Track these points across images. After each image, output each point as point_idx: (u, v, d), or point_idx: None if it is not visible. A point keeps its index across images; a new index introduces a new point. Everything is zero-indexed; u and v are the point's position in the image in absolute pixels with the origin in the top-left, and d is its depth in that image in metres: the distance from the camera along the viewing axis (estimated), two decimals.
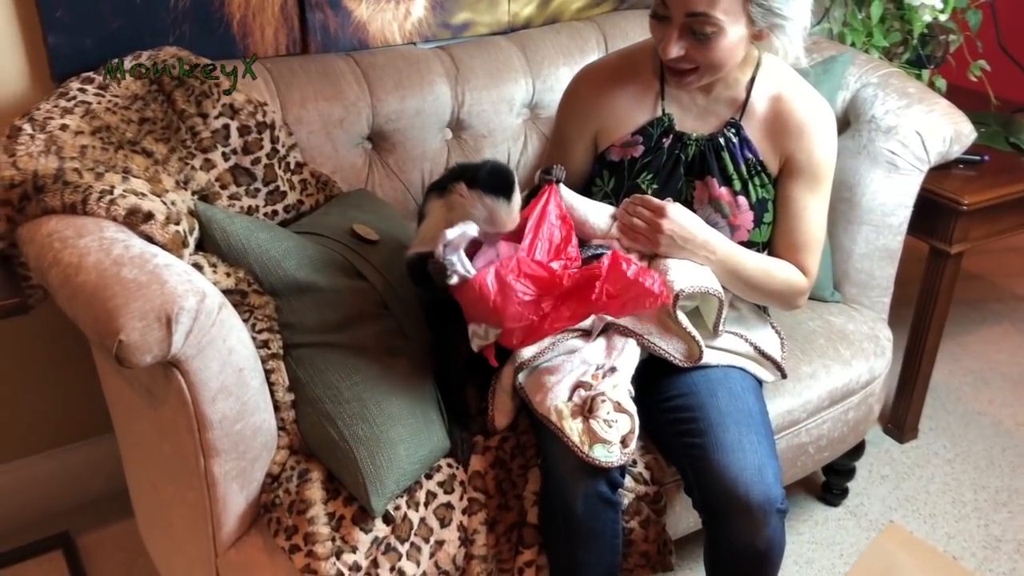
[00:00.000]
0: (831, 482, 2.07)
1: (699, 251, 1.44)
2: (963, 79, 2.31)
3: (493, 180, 1.30)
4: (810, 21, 1.42)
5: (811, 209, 1.53)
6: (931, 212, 1.98)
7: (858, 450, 2.02)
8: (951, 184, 1.98)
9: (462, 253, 1.28)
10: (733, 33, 1.37)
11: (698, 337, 1.41)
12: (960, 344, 2.67)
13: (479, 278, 1.26)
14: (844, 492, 2.08)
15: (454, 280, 1.27)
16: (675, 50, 1.40)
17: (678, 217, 1.43)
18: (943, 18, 2.10)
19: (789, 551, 1.72)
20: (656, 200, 1.44)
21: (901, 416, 2.25)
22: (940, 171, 1.96)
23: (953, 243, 2.00)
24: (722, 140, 1.51)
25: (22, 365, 1.81)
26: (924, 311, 2.10)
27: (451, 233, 1.27)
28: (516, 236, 1.36)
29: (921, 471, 2.19)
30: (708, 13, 1.34)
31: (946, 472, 2.18)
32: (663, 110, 1.54)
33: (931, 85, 2.22)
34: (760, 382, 1.55)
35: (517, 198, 1.32)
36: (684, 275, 1.41)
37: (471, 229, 1.29)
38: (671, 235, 1.42)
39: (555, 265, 1.31)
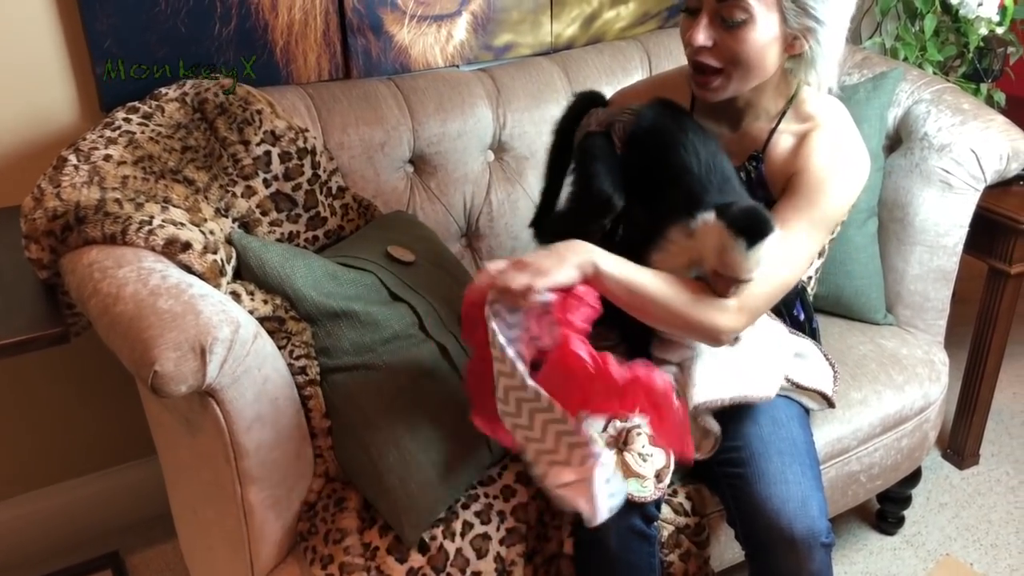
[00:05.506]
0: (886, 510, 2.00)
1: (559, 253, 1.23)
2: None
3: (742, 218, 1.18)
4: (845, 44, 1.34)
5: (785, 226, 1.29)
6: (990, 231, 1.91)
7: (914, 477, 1.95)
8: (1010, 202, 1.90)
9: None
10: (764, 28, 1.27)
11: (717, 433, 1.38)
12: None
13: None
14: (900, 521, 2.01)
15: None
16: (702, 37, 1.28)
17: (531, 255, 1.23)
18: (1000, 30, 2.03)
19: None
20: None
21: (961, 441, 2.17)
22: (999, 188, 1.89)
23: (1013, 263, 1.92)
24: (742, 175, 1.42)
25: (74, 387, 1.85)
26: (983, 333, 2.03)
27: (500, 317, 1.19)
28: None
29: (983, 499, 2.10)
30: None
31: (1009, 500, 2.10)
32: None
33: (989, 99, 2.15)
34: (807, 410, 1.51)
35: (762, 250, 1.18)
36: (708, 387, 1.37)
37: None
38: (533, 259, 1.21)
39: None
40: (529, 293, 1.16)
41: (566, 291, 1.19)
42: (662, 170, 1.30)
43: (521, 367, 1.14)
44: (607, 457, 1.15)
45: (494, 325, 1.16)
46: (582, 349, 1.14)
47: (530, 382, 1.14)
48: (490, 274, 1.20)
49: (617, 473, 1.19)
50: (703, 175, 1.27)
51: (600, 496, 1.13)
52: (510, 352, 1.15)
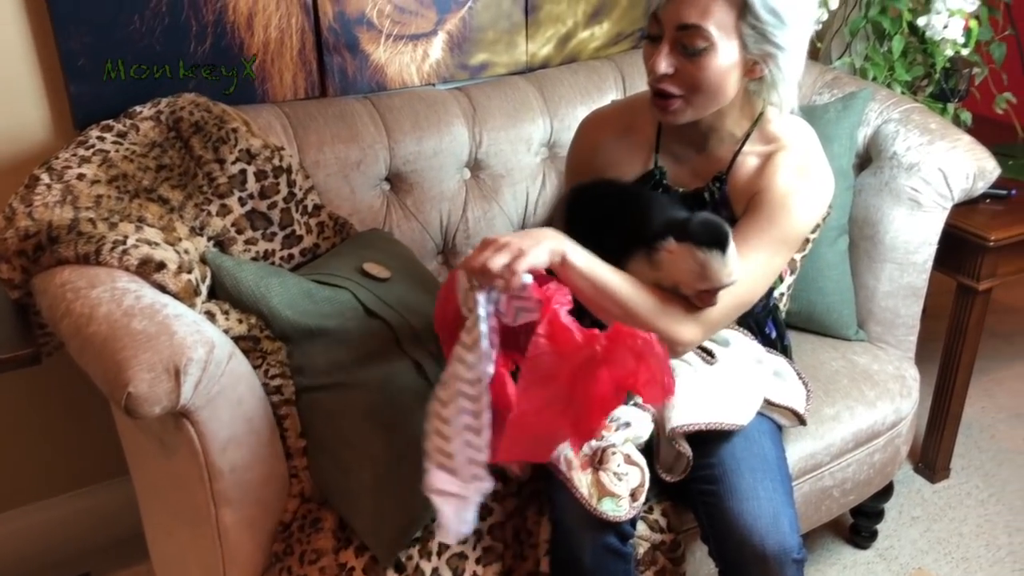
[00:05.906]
0: (859, 524, 2.02)
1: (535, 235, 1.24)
2: (989, 111, 2.27)
3: (705, 231, 1.22)
4: (803, 67, 1.35)
5: (746, 245, 1.32)
6: (958, 248, 1.94)
7: (886, 492, 1.97)
8: (977, 219, 1.94)
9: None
10: (725, 54, 1.29)
11: (689, 456, 1.37)
12: (995, 380, 2.61)
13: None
14: (873, 535, 2.03)
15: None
16: (664, 65, 1.30)
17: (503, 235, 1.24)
18: (965, 52, 2.07)
19: None
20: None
21: (932, 455, 2.20)
22: (966, 206, 1.92)
23: (981, 279, 1.96)
24: (706, 195, 1.44)
25: (46, 407, 1.83)
26: (952, 348, 2.06)
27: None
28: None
29: (953, 512, 2.13)
30: (700, 25, 1.26)
31: (979, 513, 2.12)
32: (656, 163, 1.49)
33: (956, 118, 2.19)
34: (779, 427, 1.52)
35: (733, 250, 1.22)
36: (685, 411, 1.37)
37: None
38: (509, 239, 1.20)
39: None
40: (511, 274, 1.16)
41: (541, 281, 1.19)
42: (604, 223, 1.34)
43: (489, 365, 1.15)
44: (488, 485, 1.17)
45: (480, 311, 1.16)
46: (571, 324, 1.15)
47: (485, 379, 1.14)
48: (469, 259, 1.19)
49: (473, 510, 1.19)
50: (641, 211, 1.31)
51: (467, 519, 1.17)
52: (484, 343, 1.15)
